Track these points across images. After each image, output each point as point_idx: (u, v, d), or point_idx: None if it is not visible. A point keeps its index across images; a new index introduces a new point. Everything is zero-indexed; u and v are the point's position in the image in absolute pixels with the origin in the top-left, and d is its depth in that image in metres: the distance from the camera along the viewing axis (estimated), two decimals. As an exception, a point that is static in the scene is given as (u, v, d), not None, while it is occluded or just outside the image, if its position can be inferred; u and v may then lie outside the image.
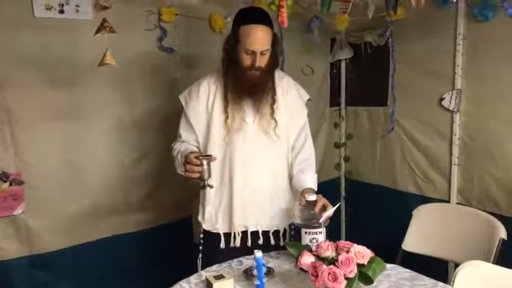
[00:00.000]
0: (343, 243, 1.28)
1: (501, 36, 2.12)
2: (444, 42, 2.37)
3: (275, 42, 1.64)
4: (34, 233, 2.02)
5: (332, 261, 1.22)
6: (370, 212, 2.93)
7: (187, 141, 1.75)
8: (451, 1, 1.61)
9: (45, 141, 2.02)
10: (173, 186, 2.34)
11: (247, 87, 1.63)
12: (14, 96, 1.92)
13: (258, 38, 1.56)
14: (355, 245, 1.24)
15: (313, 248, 1.35)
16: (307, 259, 1.26)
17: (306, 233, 1.50)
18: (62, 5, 1.99)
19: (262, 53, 1.58)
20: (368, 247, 1.27)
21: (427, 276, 1.42)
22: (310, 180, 1.69)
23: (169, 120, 2.21)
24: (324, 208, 1.51)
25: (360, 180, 3.06)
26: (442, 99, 2.41)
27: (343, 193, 3.14)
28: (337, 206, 1.49)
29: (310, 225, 1.50)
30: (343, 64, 3.06)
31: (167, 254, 2.39)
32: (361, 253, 1.21)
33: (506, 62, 2.11)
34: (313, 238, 1.49)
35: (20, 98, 1.93)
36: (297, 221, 1.54)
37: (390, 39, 2.62)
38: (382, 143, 2.86)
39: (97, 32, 1.31)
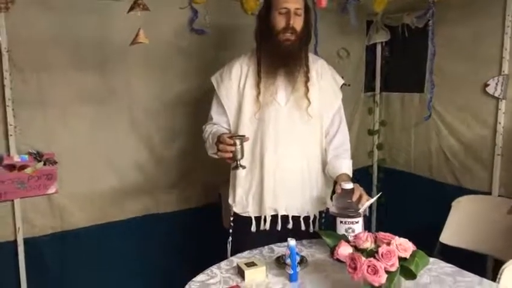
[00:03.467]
0: (382, 234, 1.21)
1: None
2: (491, 24, 2.22)
3: (307, 9, 1.61)
4: (66, 211, 2.06)
5: (371, 253, 1.15)
6: (403, 201, 2.82)
7: (218, 124, 1.71)
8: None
9: (76, 123, 2.04)
10: (203, 169, 2.32)
11: (281, 54, 1.59)
12: (47, 79, 1.94)
13: None
14: (397, 237, 1.16)
15: (351, 239, 1.29)
16: (344, 250, 1.20)
17: (341, 222, 1.44)
18: (95, -16, 1.96)
19: (295, 13, 1.55)
20: (405, 236, 1.20)
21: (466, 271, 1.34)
22: (345, 166, 1.63)
23: (200, 102, 2.19)
24: (360, 197, 1.45)
25: (393, 168, 2.95)
26: (486, 85, 2.27)
27: (375, 182, 3.04)
28: (377, 196, 1.42)
29: (347, 214, 1.43)
30: (378, 47, 2.93)
31: (196, 237, 2.39)
32: (403, 246, 1.13)
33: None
34: (349, 228, 1.42)
35: (53, 80, 1.95)
36: (333, 209, 1.48)
37: (431, 21, 2.48)
38: (417, 130, 2.74)
39: (130, 9, 1.27)
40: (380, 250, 1.12)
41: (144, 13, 1.61)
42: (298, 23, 1.57)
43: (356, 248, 1.20)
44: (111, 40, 2.03)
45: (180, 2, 2.18)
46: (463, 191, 2.41)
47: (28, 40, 1.85)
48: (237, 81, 1.66)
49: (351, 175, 1.62)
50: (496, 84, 2.23)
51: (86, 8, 1.95)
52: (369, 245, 1.19)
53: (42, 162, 1.96)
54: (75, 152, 2.04)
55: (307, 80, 1.62)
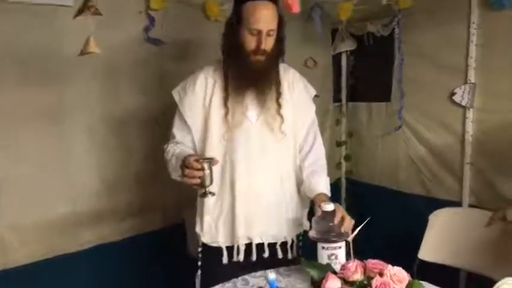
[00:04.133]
0: (372, 262, 1.10)
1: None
2: (456, 33, 2.20)
3: (281, 24, 1.45)
4: (9, 245, 1.80)
5: (363, 286, 1.03)
6: (372, 214, 2.75)
7: (182, 142, 1.54)
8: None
9: (19, 143, 1.79)
10: (163, 190, 2.12)
11: (250, 75, 1.44)
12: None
13: (264, 15, 1.38)
14: (389, 266, 1.05)
15: (336, 267, 1.16)
16: (333, 284, 1.07)
17: (323, 248, 1.30)
18: (36, -12, 1.74)
19: (268, 34, 1.40)
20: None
21: (437, 285, 1.26)
22: (322, 184, 1.50)
23: (157, 118, 2.03)
24: (342, 220, 1.33)
25: (361, 180, 2.89)
26: (453, 93, 2.24)
27: (343, 194, 2.97)
28: (366, 220, 1.30)
29: (328, 239, 1.30)
30: (343, 57, 2.87)
31: (157, 265, 2.18)
32: (398, 276, 1.02)
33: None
34: (332, 254, 1.29)
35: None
36: (312, 233, 1.34)
37: (396, 30, 2.45)
38: (385, 141, 2.70)
39: (79, 13, 1.08)
40: (373, 283, 1.01)
41: (96, 21, 1.43)
42: (269, 44, 1.42)
43: (345, 281, 1.07)
44: (59, 50, 1.82)
45: (138, 7, 2.00)
46: (433, 202, 2.37)
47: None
48: (202, 95, 1.50)
49: (329, 194, 1.49)
50: (463, 92, 2.21)
51: (29, 15, 1.73)
52: (359, 276, 1.07)
53: (-23, 191, 1.70)
54: (19, 177, 1.79)
55: (278, 95, 1.49)
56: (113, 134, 2.04)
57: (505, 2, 1.97)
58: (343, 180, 2.98)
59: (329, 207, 1.33)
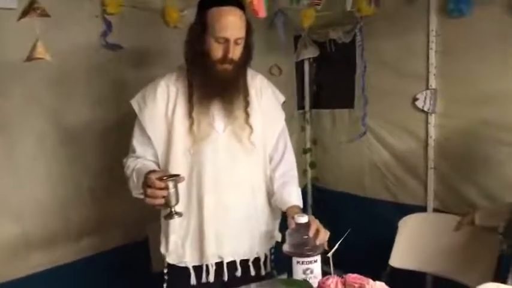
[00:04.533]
0: (352, 277, 1.04)
1: (476, 32, 2.01)
2: (416, 40, 2.23)
3: (249, 31, 1.38)
4: None
5: (344, 304, 0.97)
6: (339, 221, 2.73)
7: (143, 156, 1.43)
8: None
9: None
10: (122, 205, 1.98)
11: (217, 84, 1.35)
12: None
13: (231, 22, 1.29)
14: (370, 280, 1.00)
15: (315, 284, 1.09)
16: (313, 303, 1.00)
17: (298, 262, 1.24)
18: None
19: (236, 42, 1.32)
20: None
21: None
22: (294, 195, 1.44)
23: (113, 130, 1.91)
24: (317, 232, 1.27)
25: (326, 187, 2.87)
26: (415, 99, 2.27)
27: (310, 201, 2.94)
28: (346, 233, 1.25)
29: (303, 253, 1.24)
30: (306, 64, 2.86)
31: (119, 285, 2.03)
32: (380, 291, 0.98)
33: (483, 59, 2.01)
34: (308, 269, 1.23)
35: None
36: (286, 247, 1.27)
37: (358, 37, 2.46)
38: (349, 147, 2.69)
39: (24, 15, 0.96)
40: (356, 301, 0.95)
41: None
42: (237, 53, 1.34)
43: (325, 299, 1.01)
44: (3, 56, 1.66)
45: (93, 11, 1.87)
46: (399, 207, 2.39)
47: None
48: (163, 105, 1.40)
49: (301, 205, 1.44)
50: (425, 98, 2.24)
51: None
52: (339, 293, 1.01)
53: None
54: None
55: (246, 104, 1.42)
56: (65, 146, 1.89)
57: (464, 10, 2.02)
58: (309, 187, 2.95)
59: (303, 219, 1.27)
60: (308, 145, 2.91)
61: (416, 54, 2.24)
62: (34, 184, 1.82)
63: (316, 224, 1.28)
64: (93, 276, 1.97)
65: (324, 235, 1.27)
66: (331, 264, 1.13)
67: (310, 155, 2.93)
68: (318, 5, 1.87)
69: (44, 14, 0.97)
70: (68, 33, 1.78)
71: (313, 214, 2.86)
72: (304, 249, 1.25)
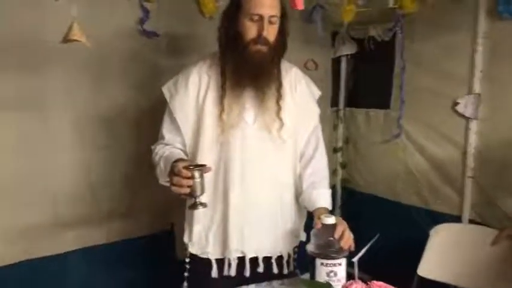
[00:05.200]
0: (377, 285, 1.00)
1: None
2: (461, 41, 2.11)
3: (284, 17, 1.35)
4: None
5: (368, 312, 0.93)
6: (368, 225, 2.66)
7: (171, 144, 1.42)
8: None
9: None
10: (151, 192, 1.98)
11: (250, 68, 1.32)
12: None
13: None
14: (396, 289, 0.95)
15: (338, 288, 1.05)
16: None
17: (322, 264, 1.20)
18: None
19: (270, 21, 1.29)
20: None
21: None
22: (324, 198, 1.40)
23: (146, 116, 1.90)
24: (343, 234, 1.22)
25: (357, 189, 2.80)
26: (456, 104, 2.16)
27: (339, 202, 2.87)
28: (375, 238, 1.20)
29: (328, 254, 1.20)
30: (343, 60, 2.78)
31: (144, 271, 2.06)
32: (407, 302, 0.92)
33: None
34: (331, 271, 1.19)
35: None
36: (311, 248, 1.24)
37: (399, 35, 2.36)
38: (382, 149, 2.61)
39: (59, -4, 0.97)
40: (380, 309, 0.90)
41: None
42: (272, 33, 1.31)
43: (348, 305, 0.97)
44: (41, 36, 1.68)
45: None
46: (431, 215, 2.30)
47: None
48: (195, 93, 1.38)
49: (330, 207, 1.39)
50: (467, 103, 2.13)
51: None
52: (363, 300, 0.96)
53: None
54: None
55: (279, 97, 1.37)
56: (99, 131, 1.91)
57: (515, 11, 1.90)
58: (339, 188, 2.88)
59: (330, 220, 1.23)
60: (340, 144, 2.84)
61: (460, 56, 2.13)
62: (69, 168, 1.85)
63: (343, 226, 1.24)
64: (120, 259, 2.00)
65: (349, 238, 1.23)
66: (356, 269, 1.08)
67: (342, 154, 2.86)
68: (358, -1, 1.80)
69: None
70: (105, 19, 1.79)
71: (342, 216, 2.83)
72: (328, 250, 1.21)
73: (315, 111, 1.50)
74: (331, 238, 1.22)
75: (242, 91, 1.35)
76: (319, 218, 1.25)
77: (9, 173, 1.69)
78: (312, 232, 1.27)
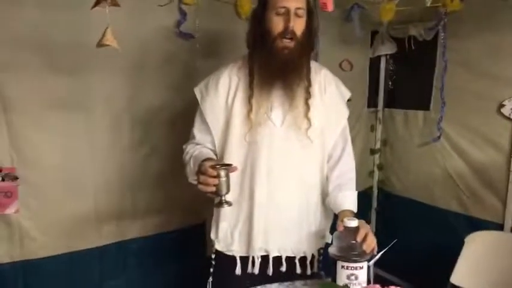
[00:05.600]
0: (395, 290, 0.98)
1: None
2: (508, 41, 2.02)
3: (310, 12, 1.36)
4: (28, 235, 1.78)
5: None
6: (404, 229, 2.61)
7: (202, 143, 1.47)
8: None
9: (43, 133, 1.78)
10: (184, 189, 2.04)
11: (278, 66, 1.33)
12: (11, 81, 1.67)
13: None
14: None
15: (355, 292, 1.05)
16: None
17: (343, 267, 1.20)
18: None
19: (296, 14, 1.30)
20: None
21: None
22: (349, 200, 1.39)
23: (182, 116, 1.94)
24: (365, 238, 1.22)
25: (393, 192, 2.74)
26: (501, 106, 2.07)
27: (375, 205, 2.82)
28: (392, 243, 1.18)
29: (349, 257, 1.20)
30: (382, 60, 2.73)
31: (176, 265, 2.14)
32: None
33: None
34: (352, 274, 1.19)
35: (18, 83, 1.69)
36: (332, 250, 1.24)
37: (441, 34, 2.28)
38: (420, 151, 2.54)
39: (96, 4, 1.04)
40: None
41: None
42: (299, 26, 1.31)
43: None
44: (85, 40, 1.75)
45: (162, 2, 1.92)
46: (471, 221, 2.22)
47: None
48: (224, 94, 1.42)
49: (355, 210, 1.38)
50: (513, 105, 2.03)
51: (60, 5, 1.71)
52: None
53: (0, 177, 1.71)
54: (40, 166, 1.78)
55: (308, 96, 1.37)
56: (137, 130, 2.00)
57: None
58: (375, 190, 2.83)
59: (352, 223, 1.23)
60: (378, 145, 2.79)
61: (505, 56, 2.05)
62: (108, 165, 1.95)
63: (366, 229, 1.23)
64: (154, 253, 2.10)
65: (372, 241, 1.21)
66: (371, 273, 1.08)
67: (379, 156, 2.80)
68: (395, -3, 1.76)
69: (115, 4, 1.04)
70: (143, 21, 1.87)
71: (377, 218, 2.79)
72: (350, 253, 1.21)
73: (344, 112, 1.49)
74: (354, 241, 1.22)
75: (270, 89, 1.36)
76: (342, 221, 1.24)
77: (54, 169, 1.81)
78: (334, 234, 1.27)
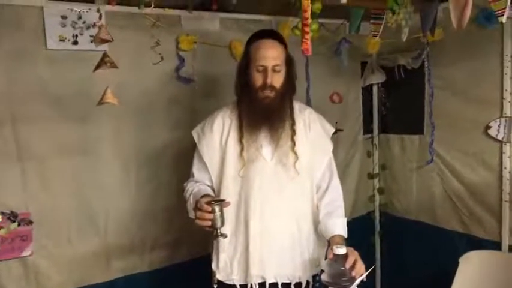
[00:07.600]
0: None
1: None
2: (489, 65, 2.13)
3: (289, 62, 1.52)
4: (43, 274, 1.91)
5: None
6: (408, 250, 2.66)
7: (200, 181, 1.60)
8: (499, 21, 1.38)
9: (56, 178, 1.92)
10: (189, 223, 2.16)
11: (261, 111, 1.49)
12: (26, 131, 1.83)
13: (268, 51, 1.45)
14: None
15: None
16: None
17: (334, 293, 1.28)
18: (76, 35, 1.90)
19: (274, 70, 1.46)
20: None
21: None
22: (339, 226, 1.49)
23: (186, 154, 2.03)
24: (354, 264, 1.30)
25: (395, 213, 2.80)
26: (488, 127, 2.15)
27: (377, 228, 2.88)
28: (370, 269, 1.27)
29: (340, 283, 1.28)
30: (375, 89, 2.85)
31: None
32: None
33: None
34: (343, 299, 1.27)
35: (32, 132, 1.85)
36: (324, 277, 1.32)
37: (426, 62, 2.40)
38: (419, 174, 2.61)
39: (97, 67, 1.18)
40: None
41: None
42: (277, 80, 1.48)
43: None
44: (93, 90, 1.89)
45: (161, 50, 2.07)
46: (472, 240, 2.26)
47: (6, 93, 1.78)
48: (219, 136, 1.56)
49: (345, 235, 1.48)
50: (499, 126, 2.11)
51: (69, 59, 1.88)
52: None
53: (16, 223, 1.84)
54: (53, 209, 1.91)
55: (293, 133, 1.51)
56: (145, 168, 2.13)
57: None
58: (377, 214, 2.89)
59: (341, 250, 1.31)
60: (376, 170, 2.87)
61: (488, 79, 2.14)
62: (117, 201, 2.07)
63: (354, 256, 1.31)
64: (162, 286, 2.18)
65: (360, 267, 1.30)
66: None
67: (378, 180, 2.88)
68: (376, 36, 1.89)
69: (113, 66, 1.18)
70: (146, 71, 2.04)
71: (381, 241, 2.83)
72: (341, 280, 1.29)
73: (328, 147, 1.61)
74: (343, 268, 1.30)
75: (258, 131, 1.50)
76: (331, 249, 1.33)
77: (67, 210, 1.94)
78: (326, 262, 1.36)
